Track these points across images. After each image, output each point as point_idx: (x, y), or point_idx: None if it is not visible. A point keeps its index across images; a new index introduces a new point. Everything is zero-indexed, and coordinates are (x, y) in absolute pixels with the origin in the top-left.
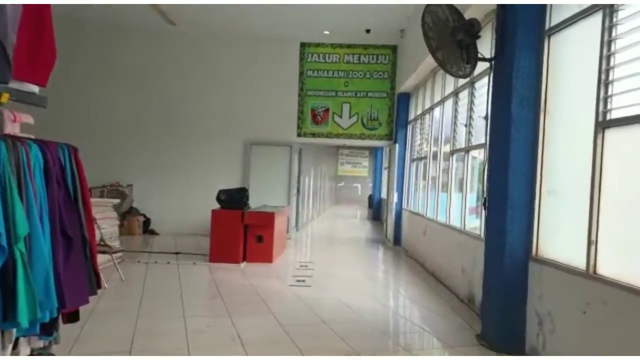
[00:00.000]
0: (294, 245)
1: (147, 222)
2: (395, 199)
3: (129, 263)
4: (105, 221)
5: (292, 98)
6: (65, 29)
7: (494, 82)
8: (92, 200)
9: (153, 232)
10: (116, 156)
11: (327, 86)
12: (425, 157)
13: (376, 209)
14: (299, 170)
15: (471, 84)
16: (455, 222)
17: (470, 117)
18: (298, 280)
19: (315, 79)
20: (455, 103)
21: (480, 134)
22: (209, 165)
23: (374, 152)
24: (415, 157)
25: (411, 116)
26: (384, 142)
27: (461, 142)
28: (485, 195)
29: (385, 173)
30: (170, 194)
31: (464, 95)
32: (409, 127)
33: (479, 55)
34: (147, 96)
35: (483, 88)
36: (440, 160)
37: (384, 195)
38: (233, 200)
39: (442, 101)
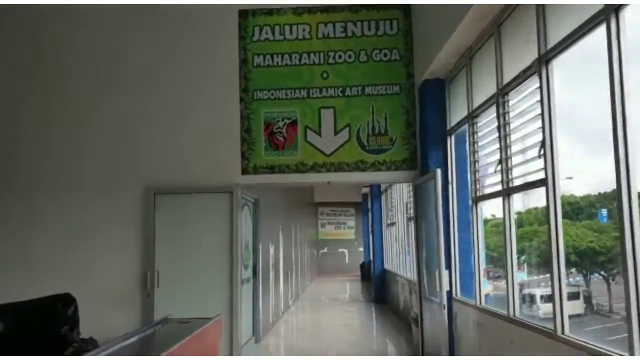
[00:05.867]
0: None
1: None
2: (443, 282)
3: None
4: None
5: (229, 106)
6: None
7: None
8: None
9: None
10: None
11: (291, 81)
12: (542, 182)
13: (379, 286)
14: (256, 236)
15: None
16: None
17: None
18: None
19: (269, 69)
20: None
21: None
22: (80, 237)
23: (363, 204)
24: (480, 193)
25: (456, 118)
26: (401, 174)
27: None
28: None
29: (390, 231)
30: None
31: None
32: (450, 140)
33: None
34: None
35: None
36: None
37: (389, 265)
38: (25, 333)
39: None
